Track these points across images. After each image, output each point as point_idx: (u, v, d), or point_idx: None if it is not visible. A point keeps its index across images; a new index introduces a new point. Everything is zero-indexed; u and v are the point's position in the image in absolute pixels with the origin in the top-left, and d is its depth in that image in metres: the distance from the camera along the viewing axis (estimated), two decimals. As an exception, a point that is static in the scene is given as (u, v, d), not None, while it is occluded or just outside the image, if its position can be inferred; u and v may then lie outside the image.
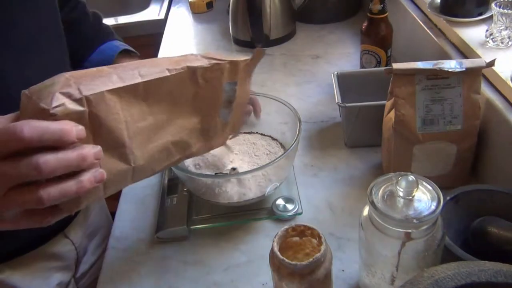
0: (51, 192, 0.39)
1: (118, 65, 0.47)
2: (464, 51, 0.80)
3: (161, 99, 0.51)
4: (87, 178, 0.41)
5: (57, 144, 0.39)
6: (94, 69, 0.45)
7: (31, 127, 0.38)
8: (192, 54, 0.55)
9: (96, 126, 0.44)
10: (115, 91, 0.45)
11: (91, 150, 0.41)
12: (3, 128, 0.38)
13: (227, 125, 0.62)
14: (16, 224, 0.42)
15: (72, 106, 0.41)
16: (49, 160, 0.38)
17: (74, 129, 0.40)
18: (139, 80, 0.47)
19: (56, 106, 0.40)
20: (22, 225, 0.43)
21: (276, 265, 0.50)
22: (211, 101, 0.58)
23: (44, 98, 0.40)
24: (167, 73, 0.50)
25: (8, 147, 0.38)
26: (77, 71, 0.44)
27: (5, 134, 0.38)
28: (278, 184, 0.71)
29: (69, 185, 0.40)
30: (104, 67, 0.46)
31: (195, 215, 0.74)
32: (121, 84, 0.45)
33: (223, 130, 0.62)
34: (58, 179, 0.40)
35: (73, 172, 0.41)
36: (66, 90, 0.41)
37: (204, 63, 0.54)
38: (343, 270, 0.64)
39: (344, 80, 0.87)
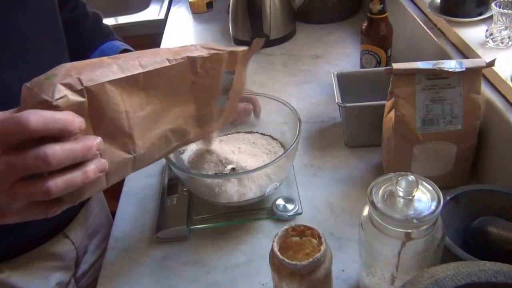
0: (59, 183, 0.39)
1: (120, 55, 0.47)
2: (464, 51, 0.80)
3: (160, 89, 0.51)
4: (91, 168, 0.41)
5: (61, 134, 0.39)
6: (95, 59, 0.45)
7: (37, 116, 0.37)
8: (192, 45, 0.55)
9: (96, 117, 0.43)
10: (115, 82, 0.44)
11: (93, 141, 0.41)
12: (7, 118, 0.38)
13: (222, 112, 0.63)
14: (22, 216, 0.42)
15: (74, 97, 0.41)
16: (57, 151, 0.38)
17: (76, 120, 0.40)
18: (139, 70, 0.47)
19: (59, 98, 0.40)
20: (28, 217, 0.42)
21: (276, 265, 0.50)
22: (209, 89, 0.58)
23: (46, 90, 0.40)
24: (167, 63, 0.50)
25: (13, 136, 0.38)
26: (78, 61, 0.44)
27: (11, 123, 0.37)
28: (278, 184, 0.71)
29: (75, 176, 0.40)
30: (105, 58, 0.46)
31: (195, 215, 0.74)
32: (121, 75, 0.45)
33: (219, 117, 0.63)
34: (62, 170, 0.39)
35: (75, 163, 0.41)
36: (67, 81, 0.41)
37: (204, 53, 0.54)
38: (343, 270, 0.64)
39: (344, 80, 0.87)
